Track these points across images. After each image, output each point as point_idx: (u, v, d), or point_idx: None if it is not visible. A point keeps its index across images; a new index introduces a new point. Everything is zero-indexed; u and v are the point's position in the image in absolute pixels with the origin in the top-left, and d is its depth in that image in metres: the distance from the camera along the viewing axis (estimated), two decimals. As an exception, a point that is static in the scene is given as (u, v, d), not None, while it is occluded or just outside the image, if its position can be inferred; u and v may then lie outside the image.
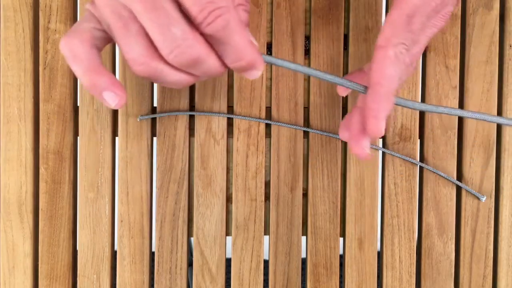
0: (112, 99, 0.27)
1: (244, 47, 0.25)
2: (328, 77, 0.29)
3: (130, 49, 0.25)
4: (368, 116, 0.28)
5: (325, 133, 0.40)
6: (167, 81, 0.26)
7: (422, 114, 0.41)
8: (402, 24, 0.28)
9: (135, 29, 0.25)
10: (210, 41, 0.25)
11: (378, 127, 0.28)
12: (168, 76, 0.26)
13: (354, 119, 0.30)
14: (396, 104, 0.30)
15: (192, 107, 0.41)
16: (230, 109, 0.41)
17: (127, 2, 0.24)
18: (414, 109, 0.30)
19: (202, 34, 0.25)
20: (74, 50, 0.26)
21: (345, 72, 0.41)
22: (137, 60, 0.25)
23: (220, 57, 0.26)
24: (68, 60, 0.26)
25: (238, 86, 0.40)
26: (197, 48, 0.25)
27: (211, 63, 0.25)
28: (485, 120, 0.31)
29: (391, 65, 0.27)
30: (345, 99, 0.41)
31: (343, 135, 0.33)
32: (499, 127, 0.41)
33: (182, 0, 0.24)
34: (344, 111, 0.41)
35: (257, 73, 0.27)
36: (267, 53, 0.40)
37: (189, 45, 0.24)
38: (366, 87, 0.29)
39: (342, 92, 0.37)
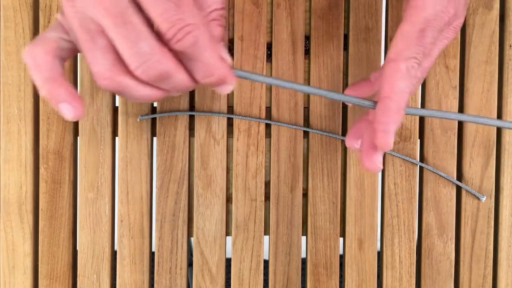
0: (68, 111, 0.26)
1: (213, 64, 0.25)
2: (323, 92, 0.29)
3: (96, 62, 0.25)
4: (377, 130, 0.27)
5: (325, 133, 0.40)
6: (134, 96, 0.26)
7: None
8: (414, 37, 0.27)
9: (102, 43, 0.25)
10: (180, 56, 0.25)
11: (388, 140, 0.27)
12: (134, 91, 0.26)
13: (365, 134, 0.30)
14: (408, 114, 0.29)
15: (192, 107, 0.41)
16: (230, 109, 0.41)
17: (95, 16, 0.24)
18: (426, 116, 0.30)
19: (172, 50, 0.25)
20: (36, 59, 0.26)
21: (345, 72, 0.41)
22: (102, 74, 0.25)
23: (189, 72, 0.26)
24: (29, 68, 0.26)
25: (238, 86, 0.40)
26: (165, 63, 0.25)
27: (180, 78, 0.25)
28: (499, 126, 0.31)
29: (402, 79, 0.27)
30: (345, 99, 0.41)
31: (351, 143, 0.33)
32: (499, 127, 0.41)
33: (152, 17, 0.24)
34: (344, 111, 0.41)
35: (229, 88, 0.27)
36: (266, 53, 0.40)
37: (157, 60, 0.24)
38: (375, 102, 0.29)
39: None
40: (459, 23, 0.30)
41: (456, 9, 0.28)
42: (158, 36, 0.25)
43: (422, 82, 0.30)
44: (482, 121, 0.30)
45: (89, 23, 0.25)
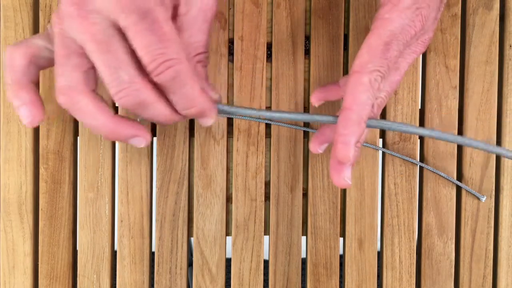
0: (26, 116, 0.27)
1: (193, 97, 0.26)
2: (293, 116, 0.29)
3: (62, 78, 0.26)
4: (337, 142, 0.27)
5: (325, 133, 0.40)
6: (90, 124, 0.26)
7: (422, 114, 0.41)
8: (379, 50, 0.27)
9: (75, 62, 0.26)
10: (161, 88, 0.26)
11: (347, 153, 0.27)
12: (87, 115, 0.26)
13: (332, 148, 0.29)
14: (371, 127, 0.29)
15: (192, 107, 0.41)
16: (230, 109, 0.41)
17: (79, 38, 0.25)
18: (390, 130, 0.29)
19: (153, 81, 0.25)
20: (13, 60, 0.27)
21: (345, 72, 0.41)
22: (63, 89, 0.26)
23: (170, 104, 0.26)
24: (4, 67, 0.27)
25: (238, 86, 0.40)
26: (144, 93, 0.25)
27: (159, 108, 0.26)
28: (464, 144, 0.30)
29: (364, 92, 0.27)
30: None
31: (314, 148, 0.33)
32: (499, 127, 0.41)
33: (136, 48, 0.24)
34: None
35: (209, 120, 0.28)
36: (266, 53, 0.40)
37: (136, 89, 0.25)
38: (337, 117, 0.29)
39: (315, 101, 0.36)
40: (428, 37, 0.30)
41: (424, 24, 0.28)
42: (141, 66, 0.25)
43: (391, 95, 0.30)
44: (444, 137, 0.29)
45: (71, 42, 0.25)
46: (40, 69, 0.28)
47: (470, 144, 0.29)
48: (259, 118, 0.40)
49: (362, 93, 0.27)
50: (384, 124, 0.29)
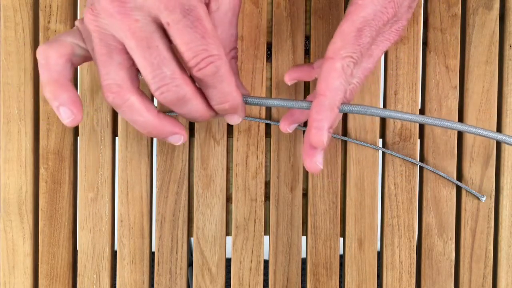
0: (67, 115, 0.27)
1: (229, 92, 0.27)
2: (270, 102, 0.29)
3: (108, 77, 0.26)
4: (311, 127, 0.27)
5: (325, 133, 0.40)
6: (136, 120, 0.27)
7: (422, 114, 0.41)
8: (352, 37, 0.28)
9: (118, 60, 0.26)
10: (199, 83, 0.26)
11: (320, 138, 0.27)
12: (135, 114, 0.26)
13: (306, 133, 0.29)
14: (344, 111, 0.29)
15: (192, 107, 0.41)
16: (230, 109, 0.41)
17: (119, 35, 0.25)
18: (363, 114, 0.29)
19: (192, 76, 0.26)
20: (48, 59, 0.27)
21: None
22: (111, 88, 0.26)
23: (205, 101, 0.27)
24: (40, 67, 0.27)
25: (238, 86, 0.40)
26: (184, 89, 0.26)
27: (196, 104, 0.26)
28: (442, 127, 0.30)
29: (337, 78, 0.27)
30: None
31: (284, 127, 0.34)
32: (499, 127, 0.41)
33: (177, 44, 0.25)
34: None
35: (238, 119, 0.29)
36: (266, 53, 0.40)
37: (177, 85, 0.25)
38: (310, 102, 0.29)
39: (288, 80, 0.36)
40: (401, 25, 0.30)
41: (397, 11, 0.29)
42: (179, 61, 0.26)
43: (364, 81, 0.30)
44: (421, 120, 0.29)
45: (110, 39, 0.26)
46: (74, 67, 0.28)
47: (451, 127, 0.29)
48: (260, 118, 0.40)
49: (335, 79, 0.27)
50: (357, 108, 0.29)
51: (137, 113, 0.26)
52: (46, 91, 0.27)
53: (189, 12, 0.24)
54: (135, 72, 0.27)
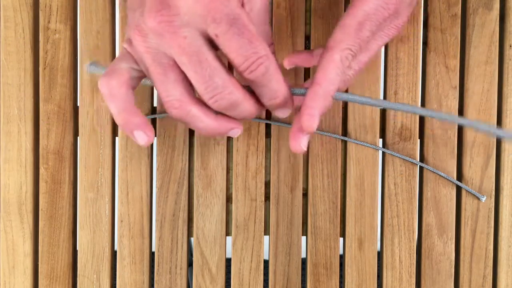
0: (142, 138, 0.29)
1: (279, 88, 0.28)
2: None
3: (167, 94, 0.27)
4: (303, 113, 0.28)
5: (325, 133, 0.40)
6: (199, 127, 0.28)
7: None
8: (352, 30, 0.28)
9: (173, 76, 0.27)
10: (250, 84, 0.28)
11: (312, 124, 0.28)
12: (199, 122, 0.28)
13: (295, 118, 0.30)
14: (337, 99, 0.30)
15: (192, 107, 0.41)
16: (230, 109, 0.41)
17: (170, 52, 0.26)
18: (355, 102, 0.30)
19: (242, 77, 0.27)
20: (112, 91, 0.28)
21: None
22: (173, 104, 0.27)
23: (254, 99, 0.28)
24: (105, 98, 0.28)
25: (238, 86, 0.40)
26: (236, 94, 0.27)
27: (247, 105, 0.28)
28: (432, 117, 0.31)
29: (334, 69, 0.28)
30: (345, 99, 0.41)
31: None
32: (499, 127, 0.41)
33: (226, 52, 0.26)
34: (344, 111, 0.41)
35: (288, 111, 0.30)
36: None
37: (229, 92, 0.27)
38: (306, 89, 0.30)
39: (287, 65, 0.37)
40: (401, 21, 0.31)
41: (398, 7, 0.29)
42: (226, 67, 0.27)
43: (358, 74, 0.31)
44: (413, 110, 0.30)
45: (162, 57, 0.27)
46: (135, 89, 0.29)
47: (438, 117, 0.30)
48: (260, 118, 0.40)
49: (332, 69, 0.28)
50: (349, 97, 0.30)
51: (198, 120, 0.28)
52: (118, 120, 0.29)
53: (235, 21, 0.25)
54: (189, 82, 0.28)
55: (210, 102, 0.27)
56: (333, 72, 0.28)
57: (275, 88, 0.28)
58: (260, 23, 0.29)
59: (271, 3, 0.40)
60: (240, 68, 0.26)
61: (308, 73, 0.41)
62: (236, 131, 0.30)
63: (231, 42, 0.25)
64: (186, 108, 0.27)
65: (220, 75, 0.26)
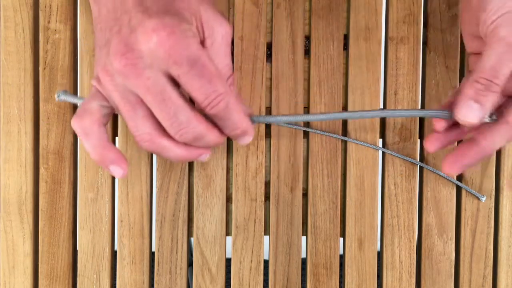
0: (117, 172, 0.30)
1: (239, 120, 0.30)
2: (398, 113, 0.33)
3: (138, 129, 0.29)
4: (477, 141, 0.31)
5: (325, 133, 0.40)
6: (169, 156, 0.30)
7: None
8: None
9: (142, 112, 0.28)
10: (212, 117, 0.29)
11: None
12: (170, 152, 0.30)
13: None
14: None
15: (192, 107, 0.41)
16: (230, 109, 0.41)
17: (136, 91, 0.28)
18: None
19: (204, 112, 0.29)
20: (85, 129, 0.30)
21: (345, 72, 0.41)
22: (143, 137, 0.29)
23: (217, 130, 0.30)
24: (79, 136, 0.30)
25: (238, 86, 0.40)
26: (199, 128, 0.29)
27: (211, 136, 0.30)
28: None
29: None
30: (344, 99, 0.41)
31: (430, 147, 0.35)
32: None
33: (189, 91, 0.28)
34: (344, 111, 0.41)
35: (249, 139, 0.32)
36: (266, 53, 0.40)
37: (193, 127, 0.29)
38: (450, 112, 0.31)
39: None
40: None
41: None
42: (190, 103, 0.29)
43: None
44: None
45: (130, 95, 0.28)
46: (106, 125, 0.31)
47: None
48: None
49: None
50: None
51: (169, 150, 0.30)
52: (93, 156, 0.30)
53: (195, 62, 0.27)
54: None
55: (176, 137, 0.29)
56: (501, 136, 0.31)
57: (236, 120, 0.29)
58: (220, 56, 0.30)
59: (271, 3, 0.40)
60: (202, 105, 0.28)
61: (308, 81, 0.41)
62: (204, 155, 0.32)
63: (192, 82, 0.27)
64: (156, 141, 0.29)
65: (184, 112, 0.28)
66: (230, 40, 0.31)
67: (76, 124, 0.30)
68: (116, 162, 0.30)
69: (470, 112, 0.30)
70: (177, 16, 0.27)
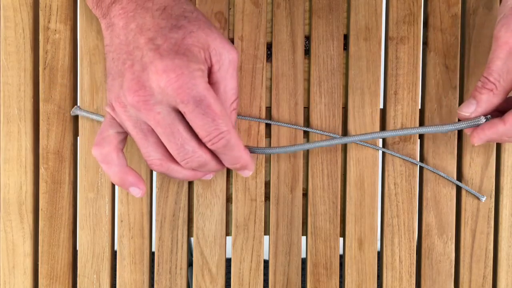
0: (137, 192, 0.33)
1: (239, 156, 0.32)
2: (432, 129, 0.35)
3: (149, 154, 0.32)
4: (473, 134, 0.34)
5: (325, 133, 0.40)
6: (177, 177, 0.34)
7: (422, 114, 0.41)
8: None
9: (153, 140, 0.32)
10: (213, 151, 0.32)
11: (474, 143, 0.35)
12: (178, 173, 0.33)
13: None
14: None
15: (192, 107, 0.41)
16: (230, 109, 0.41)
17: (148, 123, 0.31)
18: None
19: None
20: (106, 158, 0.32)
21: (345, 72, 0.41)
22: (154, 162, 0.32)
23: (219, 159, 0.33)
24: (100, 163, 0.33)
25: (239, 87, 0.40)
26: (203, 157, 0.32)
27: (214, 164, 0.33)
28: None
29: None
30: (344, 99, 0.41)
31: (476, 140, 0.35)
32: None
33: (193, 127, 0.30)
34: (344, 111, 0.41)
35: (249, 173, 0.35)
36: (266, 53, 0.40)
37: (197, 156, 0.32)
38: (487, 117, 0.33)
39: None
40: None
41: None
42: (196, 136, 0.31)
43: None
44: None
45: (141, 124, 0.31)
46: (123, 149, 0.34)
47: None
48: (260, 118, 0.40)
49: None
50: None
51: (177, 172, 0.33)
52: (114, 180, 0.33)
53: (200, 102, 0.29)
54: None
55: (182, 163, 0.32)
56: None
57: (236, 156, 0.32)
58: (227, 80, 0.32)
59: (271, 3, 0.40)
60: (204, 140, 0.31)
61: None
62: (209, 175, 0.36)
63: (196, 120, 0.30)
64: (165, 165, 0.32)
65: (190, 143, 0.31)
66: (237, 65, 0.33)
67: (96, 152, 0.32)
68: (135, 184, 0.33)
69: (466, 107, 0.34)
70: (186, 57, 0.29)
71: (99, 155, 0.32)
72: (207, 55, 0.31)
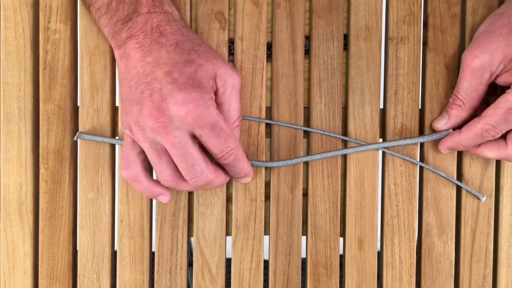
0: (164, 199, 0.38)
1: (243, 167, 0.37)
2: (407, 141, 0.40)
3: (162, 171, 0.36)
4: (440, 144, 0.40)
5: (325, 133, 0.40)
6: (185, 189, 0.38)
7: (422, 114, 0.41)
8: (502, 111, 0.36)
9: (166, 159, 0.36)
10: (223, 165, 0.37)
11: (442, 150, 0.40)
12: (185, 188, 0.37)
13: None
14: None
15: (192, 107, 0.41)
16: (230, 109, 0.41)
17: (163, 144, 0.34)
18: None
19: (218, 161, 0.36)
20: (135, 178, 0.37)
21: (345, 72, 0.41)
22: (166, 179, 0.36)
23: (223, 175, 0.37)
24: (131, 182, 0.38)
25: (238, 86, 0.40)
26: (209, 176, 0.36)
27: (218, 181, 0.37)
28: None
29: (474, 133, 0.38)
30: (344, 99, 0.41)
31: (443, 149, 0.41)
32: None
33: (207, 146, 0.35)
34: (344, 111, 0.41)
35: (249, 179, 0.39)
36: (267, 53, 0.40)
37: (206, 176, 0.36)
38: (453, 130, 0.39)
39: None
40: None
41: None
42: (205, 155, 0.36)
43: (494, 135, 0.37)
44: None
45: (157, 145, 0.35)
46: (146, 167, 0.38)
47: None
48: (260, 118, 0.40)
49: (472, 133, 0.37)
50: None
51: (184, 187, 0.37)
52: (146, 194, 0.38)
53: (214, 126, 0.34)
54: None
55: (190, 182, 0.36)
56: (471, 134, 0.37)
57: (241, 167, 0.37)
58: (231, 101, 0.37)
59: (271, 3, 0.40)
60: (217, 157, 0.35)
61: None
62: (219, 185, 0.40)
63: (211, 140, 0.34)
64: (175, 181, 0.36)
65: (200, 164, 0.35)
66: (239, 88, 0.37)
67: (127, 174, 0.37)
68: (163, 193, 0.38)
69: (439, 120, 0.39)
70: (200, 89, 0.34)
71: (130, 177, 0.37)
72: (214, 82, 0.36)
